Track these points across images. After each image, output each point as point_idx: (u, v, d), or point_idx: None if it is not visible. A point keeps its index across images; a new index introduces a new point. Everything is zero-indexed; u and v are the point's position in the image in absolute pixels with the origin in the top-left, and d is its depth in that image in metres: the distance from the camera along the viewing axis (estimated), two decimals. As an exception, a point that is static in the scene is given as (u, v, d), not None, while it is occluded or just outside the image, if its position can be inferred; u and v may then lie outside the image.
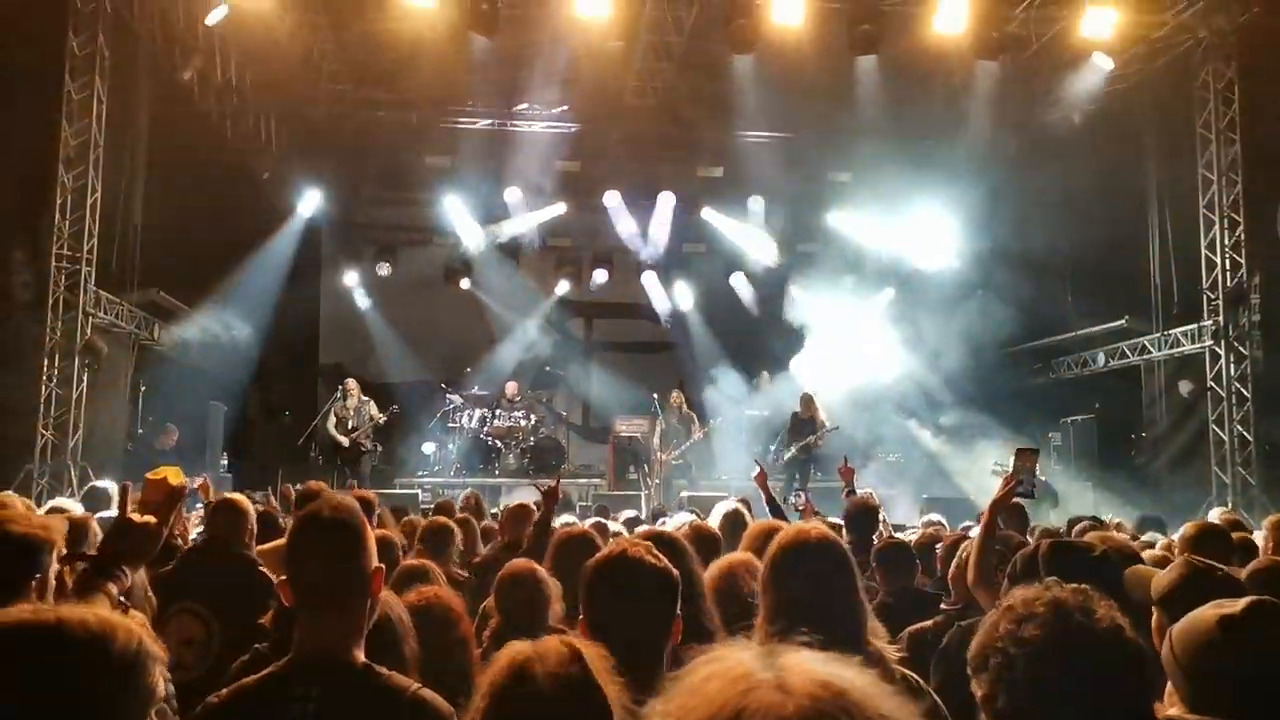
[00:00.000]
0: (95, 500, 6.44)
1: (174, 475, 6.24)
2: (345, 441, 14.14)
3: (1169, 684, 2.28)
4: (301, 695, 2.18)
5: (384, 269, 17.14)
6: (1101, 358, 14.92)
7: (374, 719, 2.20)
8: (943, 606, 4.19)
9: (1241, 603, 2.14)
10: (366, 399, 14.53)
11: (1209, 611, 2.15)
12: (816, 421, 13.92)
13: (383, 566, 2.42)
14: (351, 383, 14.62)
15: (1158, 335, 13.81)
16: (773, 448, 14.56)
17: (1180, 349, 13.45)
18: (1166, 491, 13.14)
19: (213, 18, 12.06)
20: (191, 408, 13.46)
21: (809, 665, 1.02)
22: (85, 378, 11.41)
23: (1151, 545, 5.47)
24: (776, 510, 6.64)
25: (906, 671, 2.71)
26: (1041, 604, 1.80)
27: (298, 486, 12.91)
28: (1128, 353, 14.40)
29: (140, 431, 12.84)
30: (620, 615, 2.30)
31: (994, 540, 3.80)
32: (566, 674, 1.85)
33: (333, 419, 14.27)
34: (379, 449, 14.81)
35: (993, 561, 3.59)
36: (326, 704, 2.18)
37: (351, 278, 17.24)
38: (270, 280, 15.51)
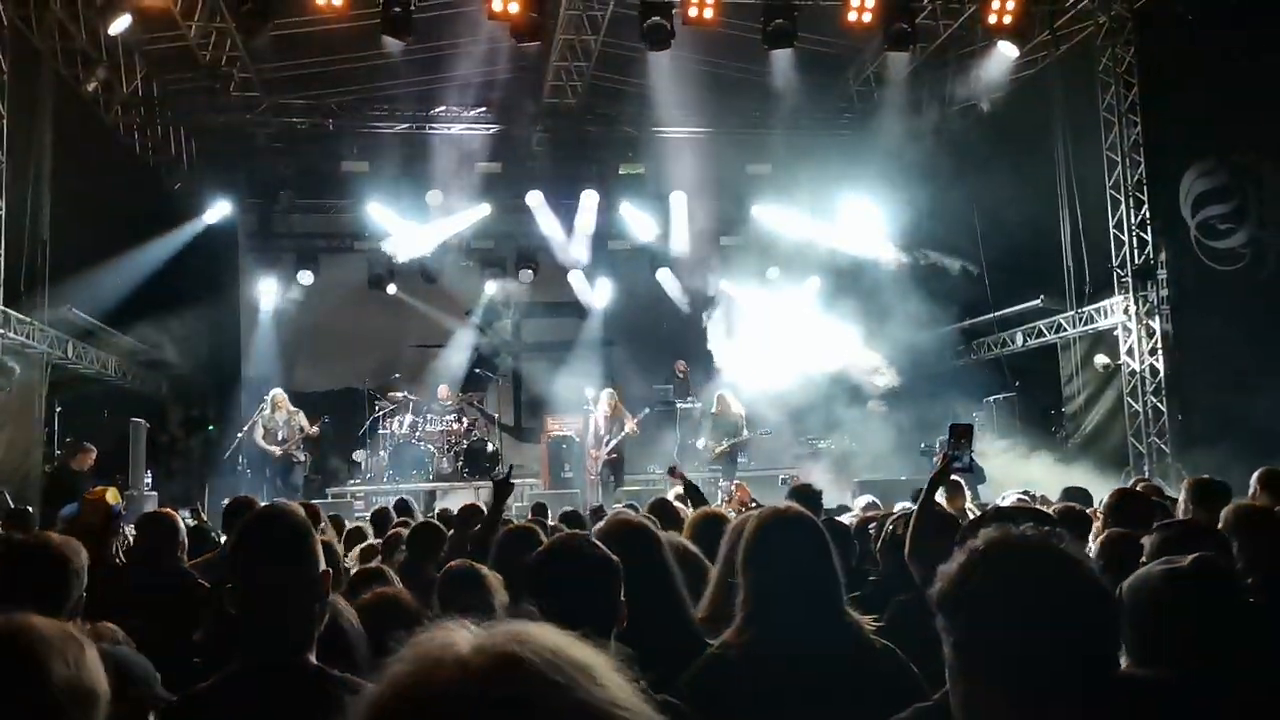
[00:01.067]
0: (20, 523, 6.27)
1: (112, 495, 6.11)
2: (277, 451, 13.98)
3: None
4: (253, 700, 2.17)
5: (306, 277, 16.86)
6: (1020, 337, 15.30)
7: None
8: (871, 578, 4.29)
9: (1188, 559, 2.23)
10: (296, 409, 14.37)
11: (1157, 568, 2.24)
12: (735, 418, 14.29)
13: (330, 570, 2.42)
14: (279, 393, 14.44)
15: (1072, 313, 14.21)
16: (697, 442, 14.79)
17: (1094, 325, 13.86)
18: (1087, 464, 13.55)
19: (116, 28, 11.75)
20: (111, 425, 13.11)
21: (507, 639, 0.96)
22: (-2, 400, 11.06)
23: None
24: (699, 499, 6.71)
25: (885, 641, 2.76)
26: (1017, 545, 1.78)
27: (224, 501, 12.75)
28: (1044, 331, 14.79)
29: (58, 453, 12.45)
30: (565, 603, 2.33)
31: (932, 514, 3.90)
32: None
33: (260, 430, 14.08)
34: (310, 459, 14.63)
35: (929, 534, 3.69)
36: (279, 708, 2.16)
37: (272, 287, 16.90)
38: (187, 293, 15.17)
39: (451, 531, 7.08)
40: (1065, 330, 14.43)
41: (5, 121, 11.09)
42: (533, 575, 2.47)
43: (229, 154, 16.00)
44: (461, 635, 0.99)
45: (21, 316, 11.60)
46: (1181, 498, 5.19)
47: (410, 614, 3.24)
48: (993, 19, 12.46)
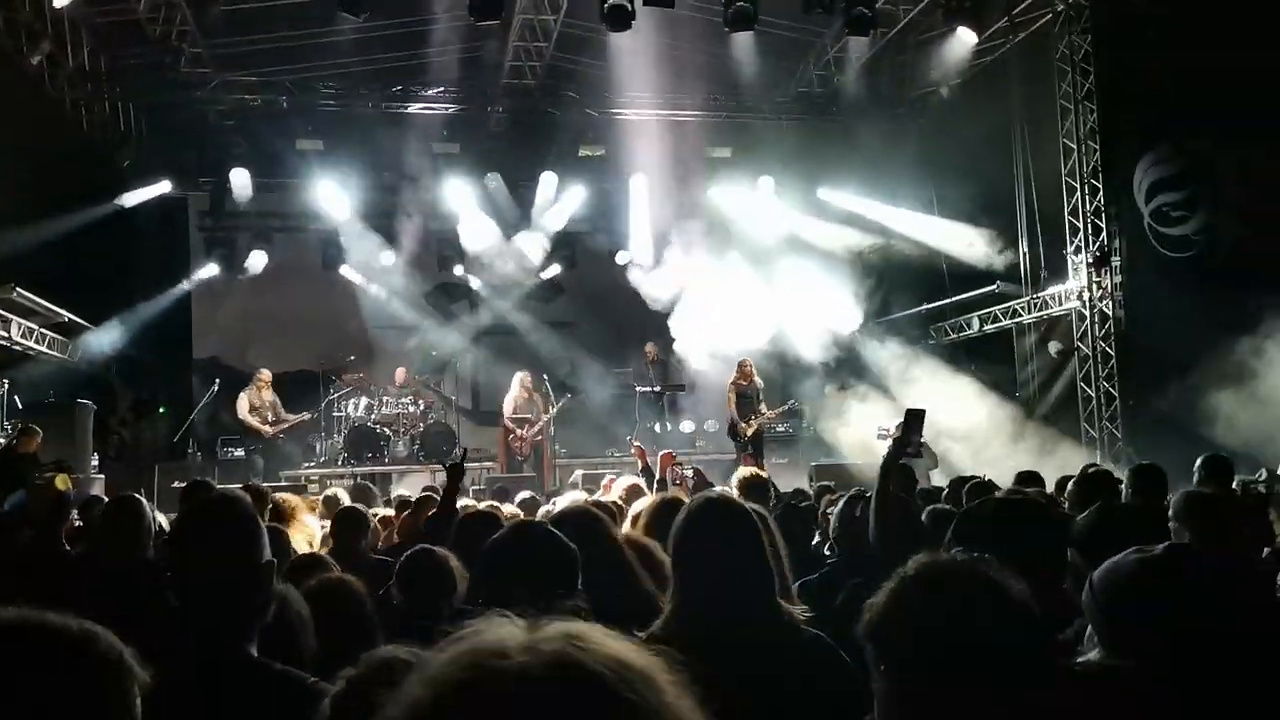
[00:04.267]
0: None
1: (61, 481, 5.96)
2: (269, 431, 14.19)
3: (1089, 628, 2.36)
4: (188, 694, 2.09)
5: (258, 257, 16.57)
6: (976, 322, 15.42)
7: (269, 715, 2.13)
8: (828, 561, 4.29)
9: (1160, 547, 2.22)
10: (274, 394, 14.72)
11: (1130, 555, 2.23)
12: (759, 388, 14.19)
13: (274, 560, 2.34)
14: (265, 373, 14.69)
15: (1027, 299, 14.35)
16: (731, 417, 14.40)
17: (1048, 311, 14.01)
18: (1041, 448, 13.71)
19: (61, 0, 11.43)
20: (57, 408, 12.82)
21: (563, 641, 0.92)
22: (-62, 382, 10.77)
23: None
24: (652, 480, 6.69)
25: (818, 633, 2.74)
26: (946, 573, 1.82)
27: (175, 485, 12.54)
28: (1000, 316, 14.92)
29: (2, 436, 12.16)
30: (525, 590, 2.28)
31: (890, 499, 3.90)
32: None
33: (246, 404, 14.11)
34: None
35: (892, 520, 3.69)
36: (215, 703, 2.09)
37: (224, 267, 16.60)
38: (136, 273, 14.85)
39: (406, 514, 7.02)
40: (1020, 316, 14.57)
41: (-55, 95, 10.77)
42: (490, 562, 2.41)
43: (179, 131, 15.66)
44: (510, 633, 0.94)
45: (-37, 296, 11.31)
46: (1125, 483, 5.24)
47: (357, 601, 3.16)
48: (952, 4, 12.49)
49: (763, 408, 14.16)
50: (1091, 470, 6.15)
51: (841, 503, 4.35)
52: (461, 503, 7.40)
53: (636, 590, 2.94)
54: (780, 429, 15.62)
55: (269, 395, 14.57)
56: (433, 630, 1.07)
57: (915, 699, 1.71)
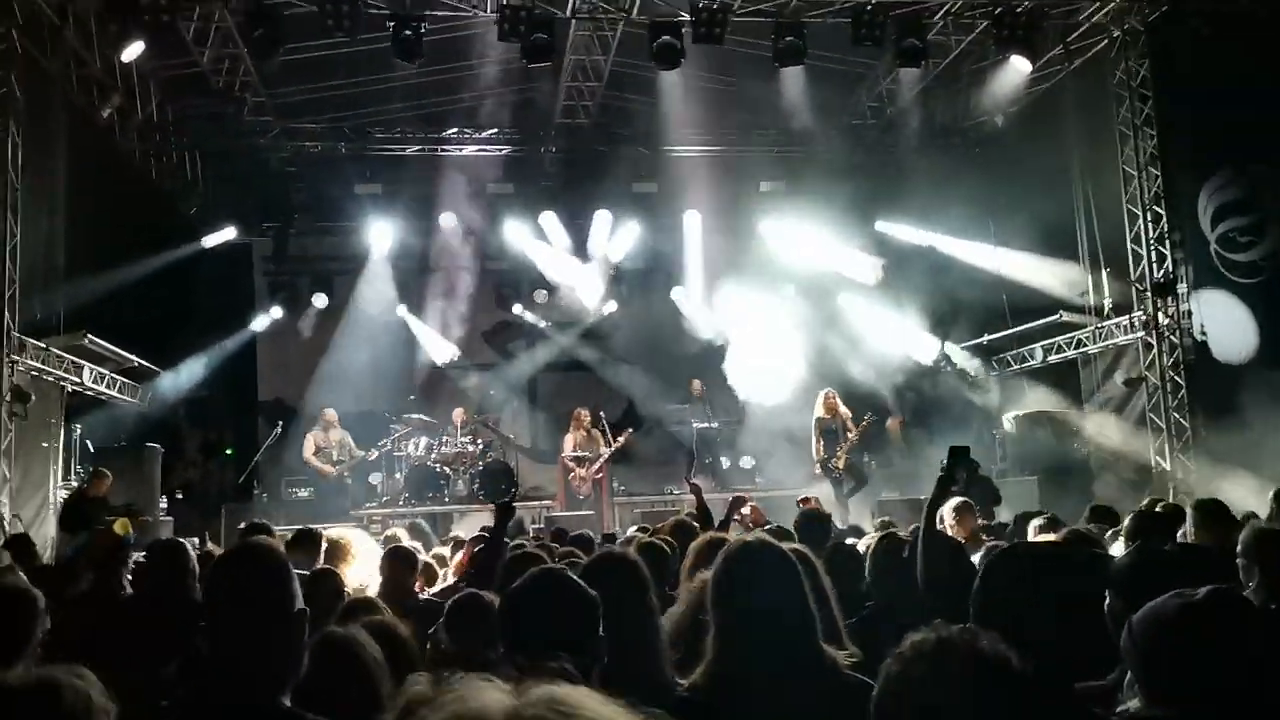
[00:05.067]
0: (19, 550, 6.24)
1: (121, 525, 6.10)
2: (332, 472, 14.24)
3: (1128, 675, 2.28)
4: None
5: (320, 300, 16.90)
6: (1040, 353, 15.14)
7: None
8: (866, 605, 4.19)
9: (1202, 591, 2.14)
10: (344, 430, 14.64)
11: (1171, 600, 2.15)
12: (843, 419, 13.74)
13: (306, 609, 2.34)
14: (330, 412, 14.65)
15: (1092, 328, 14.05)
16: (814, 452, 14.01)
17: (1114, 340, 13.70)
18: (1110, 481, 13.37)
19: (128, 54, 11.83)
20: (127, 451, 13.14)
21: (547, 706, 0.93)
22: (13, 426, 11.10)
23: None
24: (708, 521, 6.63)
25: (863, 678, 2.68)
26: (929, 648, 1.82)
27: (239, 526, 12.74)
28: (1064, 347, 14.63)
29: (73, 479, 12.50)
30: (540, 639, 2.25)
31: (935, 537, 3.81)
32: None
33: (311, 446, 14.27)
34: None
35: (936, 558, 3.60)
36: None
37: (287, 310, 16.94)
38: (202, 317, 15.22)
39: (461, 554, 7.03)
40: (1086, 345, 14.26)
41: (20, 149, 11.18)
42: (506, 609, 2.39)
43: (242, 178, 16.08)
44: (494, 698, 0.93)
45: (37, 343, 11.68)
46: (1188, 519, 5.07)
47: (400, 644, 3.15)
48: (1005, 34, 12.35)
49: (852, 436, 13.71)
50: (1150, 507, 5.97)
51: (874, 543, 4.26)
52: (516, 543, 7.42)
53: (652, 652, 2.89)
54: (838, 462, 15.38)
55: (336, 435, 14.68)
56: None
57: None
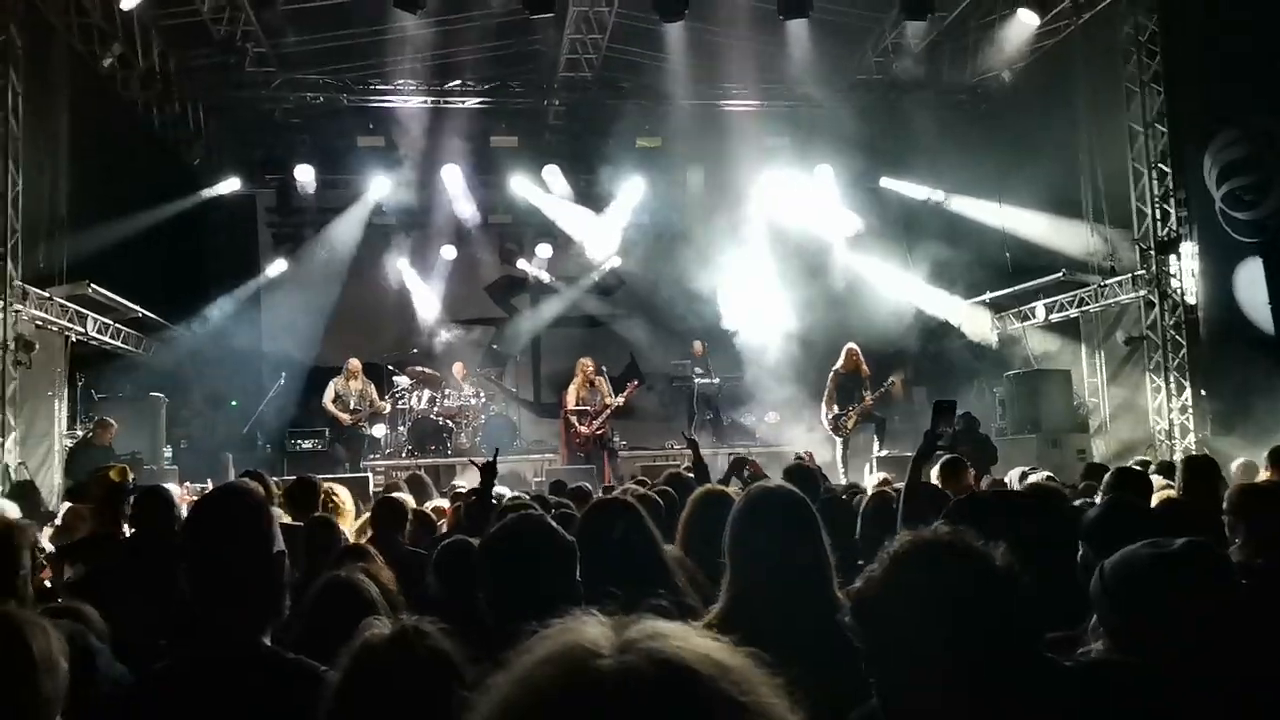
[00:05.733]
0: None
1: (117, 472, 6.15)
2: (347, 419, 14.33)
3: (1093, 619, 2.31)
4: (203, 685, 2.16)
5: (325, 252, 16.90)
6: (1041, 311, 15.10)
7: (277, 703, 2.17)
8: (859, 562, 4.23)
9: (1178, 542, 2.17)
10: (369, 381, 14.70)
11: (1144, 549, 2.18)
12: (864, 378, 13.31)
13: (284, 551, 2.38)
14: (354, 362, 14.67)
15: (1094, 287, 14.01)
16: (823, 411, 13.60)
17: (1117, 299, 13.66)
18: (1113, 439, 13.42)
19: (129, 3, 11.76)
20: (131, 400, 13.23)
21: (657, 640, 0.91)
22: (18, 375, 11.18)
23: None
24: (705, 476, 6.67)
25: None
26: (931, 549, 1.80)
27: (245, 474, 12.85)
28: (1066, 305, 14.60)
29: (78, 429, 12.60)
30: (517, 581, 2.30)
31: (919, 492, 3.86)
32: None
33: (331, 393, 14.32)
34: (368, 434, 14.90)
35: (922, 512, 3.64)
36: (227, 693, 2.15)
37: (289, 262, 16.96)
38: (207, 268, 15.24)
39: (454, 506, 7.11)
40: (1088, 305, 14.23)
41: (20, 99, 11.15)
42: (483, 556, 2.44)
43: (246, 129, 16.04)
44: (600, 631, 0.93)
45: (41, 293, 11.72)
46: (1178, 475, 5.11)
47: (386, 593, 3.22)
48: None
49: (868, 395, 13.21)
50: (1144, 465, 6.01)
51: (865, 500, 4.31)
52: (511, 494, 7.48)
53: (667, 585, 2.94)
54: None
55: (357, 384, 14.54)
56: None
57: (901, 679, 1.69)
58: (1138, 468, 5.22)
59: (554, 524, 2.45)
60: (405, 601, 3.54)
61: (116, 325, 13.71)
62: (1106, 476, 4.54)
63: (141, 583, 4.13)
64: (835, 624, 2.59)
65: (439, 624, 1.96)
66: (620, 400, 14.64)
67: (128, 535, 5.57)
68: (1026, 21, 13.02)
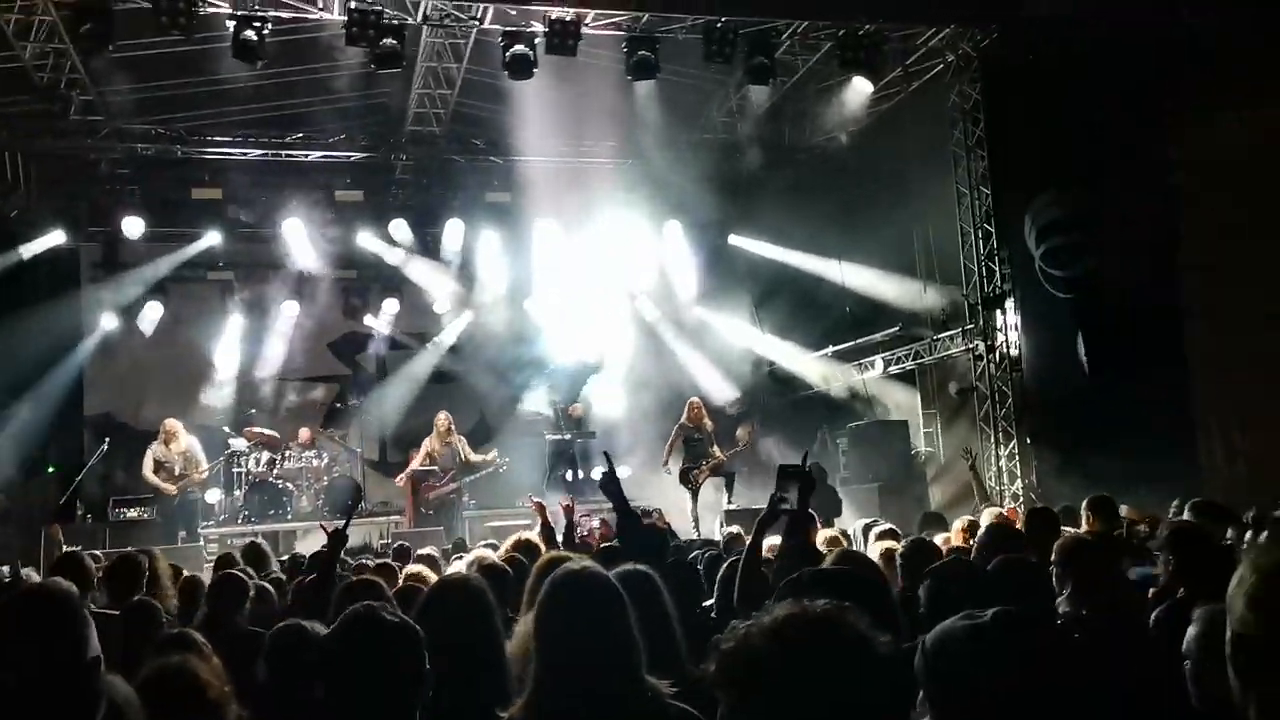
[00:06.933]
0: None
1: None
2: (173, 490, 13.39)
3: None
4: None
5: (154, 308, 16.12)
6: (880, 363, 15.64)
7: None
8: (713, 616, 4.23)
9: (989, 613, 2.19)
10: (191, 439, 13.90)
11: (960, 622, 2.20)
12: (708, 433, 13.58)
13: (100, 655, 2.21)
14: (171, 423, 13.75)
15: (928, 340, 14.62)
16: (667, 464, 13.90)
17: (948, 351, 14.28)
18: (944, 489, 13.94)
19: (-60, 46, 11.05)
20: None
21: None
22: None
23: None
24: (552, 539, 6.60)
25: (684, 707, 2.67)
26: (795, 619, 1.78)
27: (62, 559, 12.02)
28: (903, 358, 15.17)
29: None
30: (360, 679, 2.18)
31: (759, 559, 3.87)
32: None
33: (150, 462, 13.42)
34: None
35: (758, 580, 3.66)
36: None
37: (118, 320, 16.08)
38: (23, 327, 14.30)
39: (300, 578, 6.78)
40: (923, 357, 14.83)
41: None
42: (325, 652, 2.31)
43: (70, 180, 15.23)
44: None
45: None
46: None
47: (200, 693, 3.00)
48: (848, 55, 12.77)
49: (716, 450, 13.66)
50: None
51: (724, 566, 4.32)
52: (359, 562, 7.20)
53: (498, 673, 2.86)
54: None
55: (179, 446, 13.68)
56: None
57: None
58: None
59: (398, 616, 2.34)
60: (233, 691, 3.33)
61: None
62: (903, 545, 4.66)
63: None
64: (639, 712, 2.57)
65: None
66: (481, 461, 14.34)
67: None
68: (860, 88, 13.61)
